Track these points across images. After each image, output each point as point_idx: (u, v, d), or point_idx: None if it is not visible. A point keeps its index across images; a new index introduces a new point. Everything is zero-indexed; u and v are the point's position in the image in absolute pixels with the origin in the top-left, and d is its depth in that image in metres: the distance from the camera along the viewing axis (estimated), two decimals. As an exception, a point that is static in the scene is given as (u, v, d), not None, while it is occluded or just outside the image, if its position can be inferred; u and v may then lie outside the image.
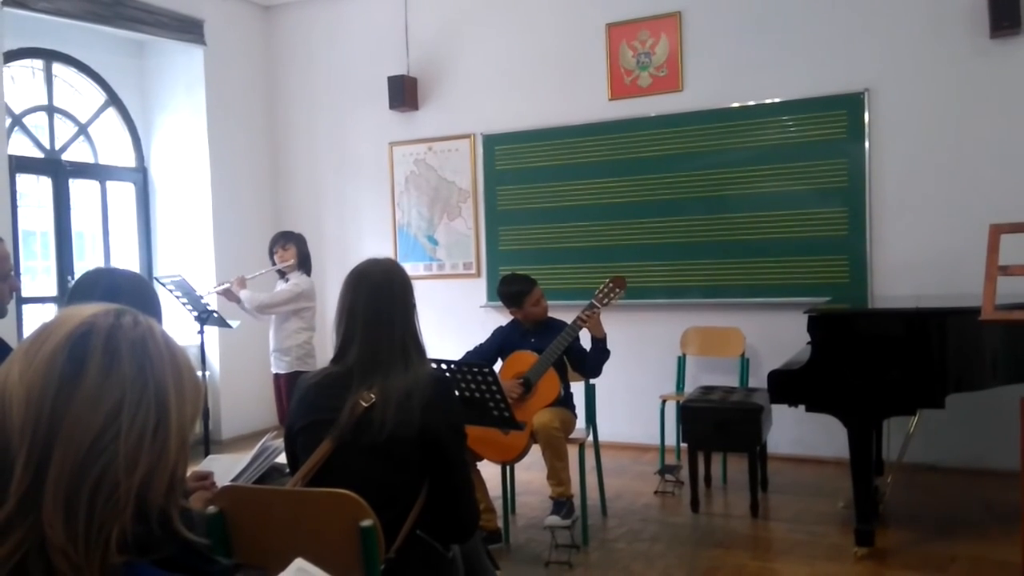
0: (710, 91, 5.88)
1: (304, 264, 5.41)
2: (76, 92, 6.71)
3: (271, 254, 5.44)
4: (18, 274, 5.77)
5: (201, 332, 5.16)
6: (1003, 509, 4.52)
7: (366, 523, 1.87)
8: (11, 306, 2.71)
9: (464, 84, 6.78)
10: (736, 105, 5.79)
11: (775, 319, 5.62)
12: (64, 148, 6.56)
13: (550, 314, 4.54)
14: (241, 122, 7.29)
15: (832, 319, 4.01)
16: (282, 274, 5.41)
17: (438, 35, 6.85)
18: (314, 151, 7.45)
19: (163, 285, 5.03)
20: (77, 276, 2.95)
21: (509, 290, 4.49)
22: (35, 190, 6.37)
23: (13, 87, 6.12)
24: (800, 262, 5.63)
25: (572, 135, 6.29)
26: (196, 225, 6.99)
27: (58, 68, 6.52)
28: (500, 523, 4.27)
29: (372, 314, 2.19)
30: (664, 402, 5.56)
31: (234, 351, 6.87)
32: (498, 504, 4.31)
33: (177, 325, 5.56)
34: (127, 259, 6.96)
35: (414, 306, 2.29)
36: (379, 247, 7.00)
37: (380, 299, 2.21)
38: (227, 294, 5.28)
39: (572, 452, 4.22)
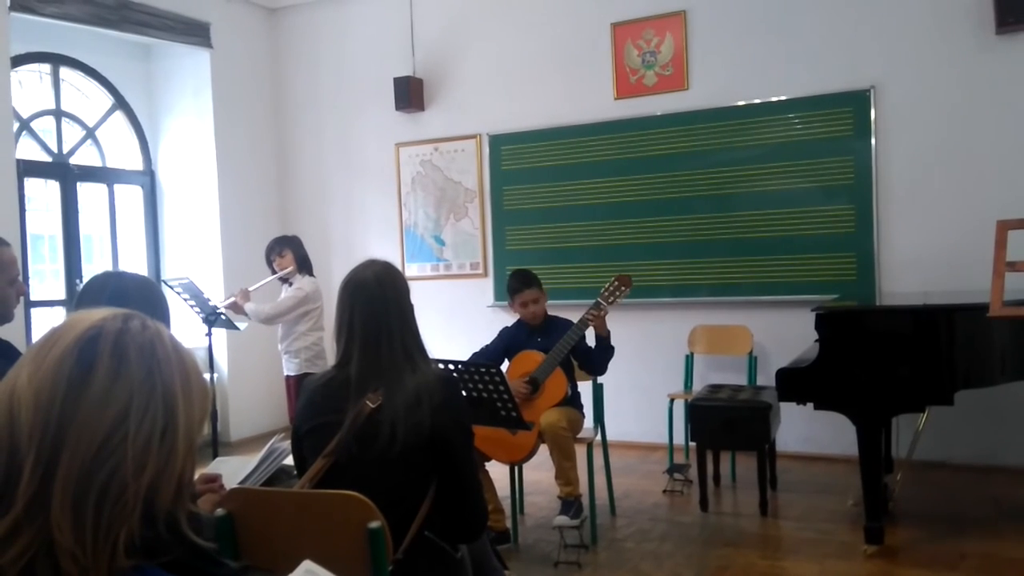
0: (716, 89, 5.87)
1: (304, 266, 5.41)
2: (83, 96, 6.73)
3: (269, 263, 5.44)
4: (26, 278, 5.80)
5: (209, 334, 5.17)
6: (1014, 506, 4.51)
7: (374, 525, 1.87)
8: (19, 310, 2.72)
9: (470, 85, 6.78)
10: (742, 103, 5.78)
11: (783, 317, 5.61)
12: (72, 152, 6.58)
13: (556, 313, 4.54)
14: (248, 124, 7.31)
15: (840, 316, 4.00)
16: (285, 280, 5.42)
17: (443, 36, 6.86)
18: (321, 153, 7.47)
19: (171, 288, 5.05)
20: (85, 280, 2.96)
21: (508, 284, 4.50)
22: (43, 194, 6.39)
23: (21, 91, 6.15)
24: (807, 260, 5.62)
25: (578, 134, 6.29)
26: (203, 228, 7.01)
27: (65, 72, 6.55)
28: (509, 523, 4.27)
29: (370, 328, 2.18)
30: (672, 401, 5.56)
31: (242, 353, 6.89)
32: (506, 504, 4.32)
33: (185, 328, 5.58)
34: (135, 262, 6.98)
35: (412, 308, 2.27)
36: (386, 248, 7.02)
37: (376, 312, 2.19)
38: (233, 307, 5.30)
39: (580, 452, 4.22)
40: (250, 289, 5.40)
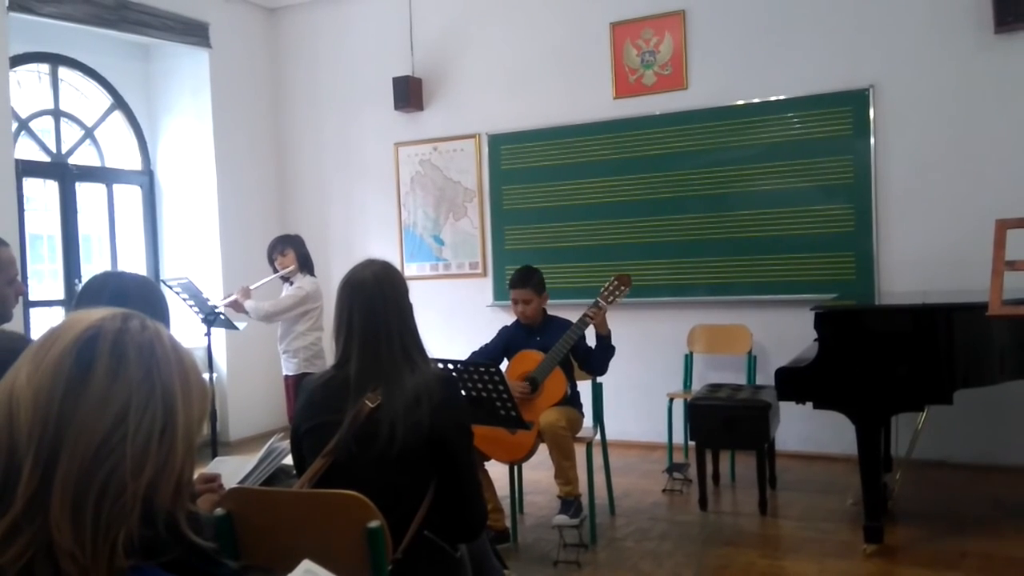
0: (715, 89, 5.87)
1: (305, 265, 5.43)
2: (82, 96, 6.73)
3: (271, 261, 5.45)
4: (25, 278, 5.79)
5: (208, 334, 5.17)
6: (1013, 505, 4.52)
7: (373, 524, 1.87)
8: (18, 310, 2.72)
9: (469, 84, 6.78)
10: (741, 103, 5.78)
11: (782, 316, 5.61)
12: (70, 152, 6.58)
13: (555, 313, 4.54)
14: (247, 124, 7.31)
15: (839, 316, 4.00)
16: (286, 279, 5.43)
17: (443, 36, 6.86)
18: (320, 152, 7.47)
19: (170, 288, 5.05)
20: (84, 280, 2.96)
21: (512, 277, 4.48)
22: (42, 194, 6.39)
23: (19, 91, 6.14)
24: (806, 259, 5.62)
25: (577, 134, 6.29)
26: (202, 227, 7.01)
27: (64, 72, 6.54)
28: (508, 523, 4.27)
29: (369, 327, 2.18)
30: (671, 400, 5.56)
31: (241, 353, 6.89)
32: (506, 504, 4.32)
33: (184, 327, 5.58)
34: (134, 262, 6.98)
35: (410, 308, 2.27)
36: (385, 248, 7.02)
37: (375, 312, 2.19)
38: (234, 305, 5.33)
39: (579, 451, 4.22)
40: (251, 287, 5.42)
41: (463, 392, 3.48)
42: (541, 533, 4.37)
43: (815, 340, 4.07)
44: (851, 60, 5.49)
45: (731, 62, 5.84)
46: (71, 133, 6.63)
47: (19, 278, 2.60)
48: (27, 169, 6.11)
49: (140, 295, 2.08)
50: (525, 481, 4.80)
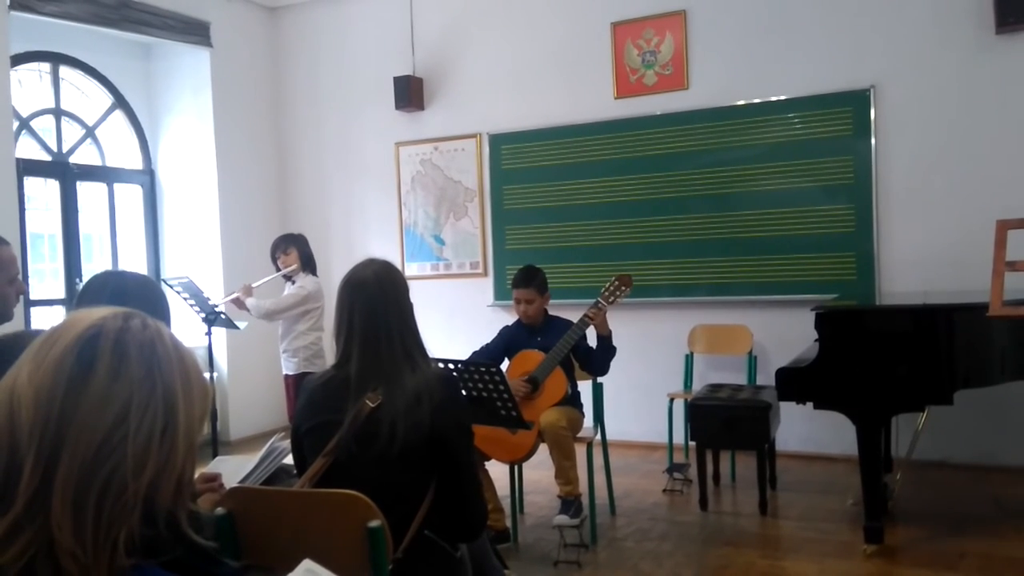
0: (716, 89, 5.87)
1: (308, 264, 5.43)
2: (83, 95, 6.73)
3: (274, 260, 5.45)
4: (26, 277, 5.80)
5: (209, 334, 5.18)
6: (1013, 505, 4.52)
7: (374, 524, 1.87)
8: (19, 309, 2.72)
9: (470, 84, 6.78)
10: (742, 103, 5.78)
11: (782, 316, 5.61)
12: (71, 151, 6.58)
13: (556, 313, 4.54)
14: (248, 124, 7.31)
15: (839, 316, 4.00)
16: (288, 278, 5.43)
17: (444, 35, 6.86)
18: (320, 152, 7.47)
19: (170, 287, 5.05)
20: (85, 279, 2.96)
21: (515, 277, 4.48)
22: (43, 193, 6.39)
23: (20, 90, 6.14)
24: (807, 259, 5.62)
25: (578, 134, 6.29)
26: (203, 227, 7.01)
27: (65, 71, 6.54)
28: (508, 523, 4.27)
29: (369, 327, 2.18)
30: (672, 400, 5.56)
31: (242, 352, 6.89)
32: (506, 503, 4.32)
33: (185, 327, 5.58)
34: (135, 261, 6.98)
35: (411, 307, 2.27)
36: (386, 247, 7.02)
37: (375, 311, 2.19)
38: (236, 303, 5.34)
39: (580, 451, 4.22)
40: (253, 285, 5.43)
41: (464, 392, 3.48)
42: (541, 533, 4.37)
43: (815, 340, 4.07)
44: (852, 60, 5.49)
45: (732, 62, 5.84)
46: (72, 132, 6.63)
47: (20, 277, 2.60)
48: (28, 168, 6.11)
49: (141, 294, 2.08)
50: (525, 481, 4.80)
